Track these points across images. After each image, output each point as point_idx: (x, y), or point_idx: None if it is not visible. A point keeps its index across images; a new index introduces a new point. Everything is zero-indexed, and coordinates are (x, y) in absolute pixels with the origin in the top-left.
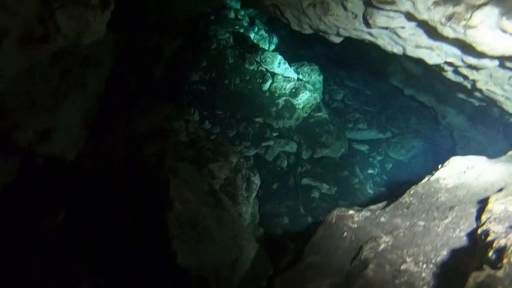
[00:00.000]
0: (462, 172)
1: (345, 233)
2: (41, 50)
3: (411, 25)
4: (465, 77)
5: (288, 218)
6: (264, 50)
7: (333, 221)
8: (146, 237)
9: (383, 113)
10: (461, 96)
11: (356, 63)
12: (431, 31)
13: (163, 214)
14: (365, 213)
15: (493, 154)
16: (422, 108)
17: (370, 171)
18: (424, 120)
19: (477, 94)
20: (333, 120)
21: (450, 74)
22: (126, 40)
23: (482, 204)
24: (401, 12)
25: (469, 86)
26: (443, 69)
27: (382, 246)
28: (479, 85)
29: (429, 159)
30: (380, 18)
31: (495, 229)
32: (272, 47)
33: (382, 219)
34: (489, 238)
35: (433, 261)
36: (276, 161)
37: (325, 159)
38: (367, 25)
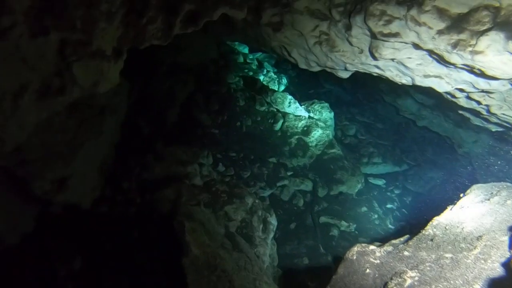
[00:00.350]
0: (486, 199)
1: (367, 270)
2: (59, 101)
3: (417, 55)
4: (478, 103)
5: (307, 258)
6: (274, 91)
7: (354, 257)
8: (164, 283)
9: (397, 145)
10: (477, 123)
11: (366, 98)
12: (438, 59)
13: (180, 259)
14: (387, 248)
15: None
16: (437, 139)
17: (389, 205)
18: (440, 150)
19: (493, 119)
20: (347, 156)
21: (462, 101)
22: (140, 88)
23: None
24: (406, 43)
25: (483, 111)
26: (454, 96)
27: (409, 282)
28: (493, 109)
29: (449, 189)
30: (386, 50)
31: None
32: (282, 87)
33: (406, 253)
34: None
35: None
36: (292, 201)
37: (342, 195)
38: (374, 58)
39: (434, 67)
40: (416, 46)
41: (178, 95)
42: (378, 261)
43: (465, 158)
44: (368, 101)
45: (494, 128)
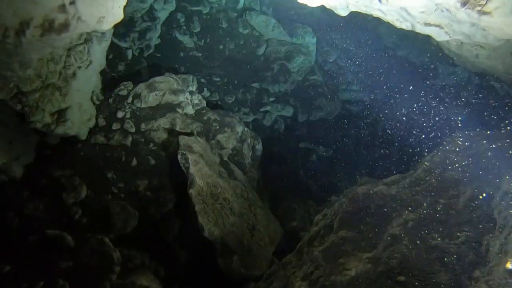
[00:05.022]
0: (468, 147)
1: (372, 209)
2: (62, 38)
3: (423, 3)
4: (469, 51)
5: (289, 181)
6: (258, 14)
7: (360, 198)
8: (170, 209)
9: (375, 74)
10: (459, 63)
11: (348, 24)
12: (443, 10)
13: (186, 190)
14: (388, 189)
15: None
16: (415, 69)
17: (362, 132)
18: (416, 80)
19: (477, 64)
20: (327, 82)
21: (453, 47)
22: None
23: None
24: None
25: (471, 58)
26: (448, 43)
27: (410, 224)
28: (481, 58)
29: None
30: None
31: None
32: (264, 8)
33: (404, 195)
34: None
35: (459, 237)
36: (274, 126)
37: (320, 121)
38: (380, 1)
39: (436, 17)
40: None
41: (159, 13)
42: (382, 202)
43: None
44: (351, 27)
45: (474, 70)
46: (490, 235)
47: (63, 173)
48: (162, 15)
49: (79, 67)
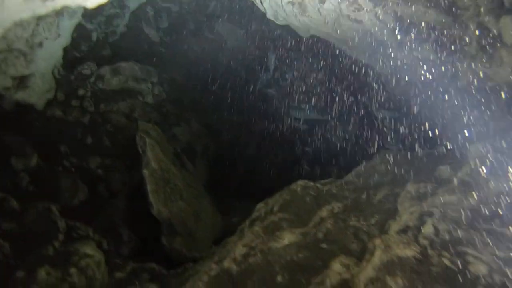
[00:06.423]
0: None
1: (307, 199)
2: (46, 6)
3: None
4: None
5: (233, 183)
6: (225, 22)
7: (298, 189)
8: (124, 181)
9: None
10: None
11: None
12: None
13: (141, 170)
14: (323, 186)
15: None
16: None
17: (307, 149)
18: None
19: None
20: (279, 96)
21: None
22: None
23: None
24: None
25: None
26: None
27: (336, 210)
28: None
29: None
30: None
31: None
32: (232, 17)
33: (334, 191)
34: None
35: (371, 220)
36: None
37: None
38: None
39: None
40: None
41: (129, 4)
42: (315, 194)
43: None
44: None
45: None
46: (392, 219)
47: (14, 139)
48: (132, 4)
49: (47, 38)
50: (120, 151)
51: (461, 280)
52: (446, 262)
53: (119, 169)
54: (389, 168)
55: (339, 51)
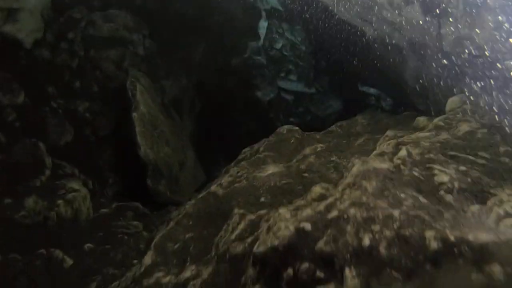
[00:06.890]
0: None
1: (292, 140)
2: None
3: None
4: None
5: (217, 140)
6: None
7: (284, 132)
8: (111, 127)
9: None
10: None
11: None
12: None
13: (130, 112)
14: (306, 133)
15: None
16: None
17: (291, 119)
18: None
19: None
20: (269, 67)
21: None
22: None
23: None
24: None
25: None
26: None
27: (319, 149)
28: None
29: None
30: None
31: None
32: None
33: (318, 136)
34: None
35: (350, 159)
36: None
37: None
38: None
39: None
40: None
41: None
42: (300, 137)
43: None
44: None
45: None
46: None
47: (1, 74)
48: None
49: None
50: (109, 99)
51: (428, 186)
52: (415, 173)
53: (107, 115)
54: (370, 122)
55: None
